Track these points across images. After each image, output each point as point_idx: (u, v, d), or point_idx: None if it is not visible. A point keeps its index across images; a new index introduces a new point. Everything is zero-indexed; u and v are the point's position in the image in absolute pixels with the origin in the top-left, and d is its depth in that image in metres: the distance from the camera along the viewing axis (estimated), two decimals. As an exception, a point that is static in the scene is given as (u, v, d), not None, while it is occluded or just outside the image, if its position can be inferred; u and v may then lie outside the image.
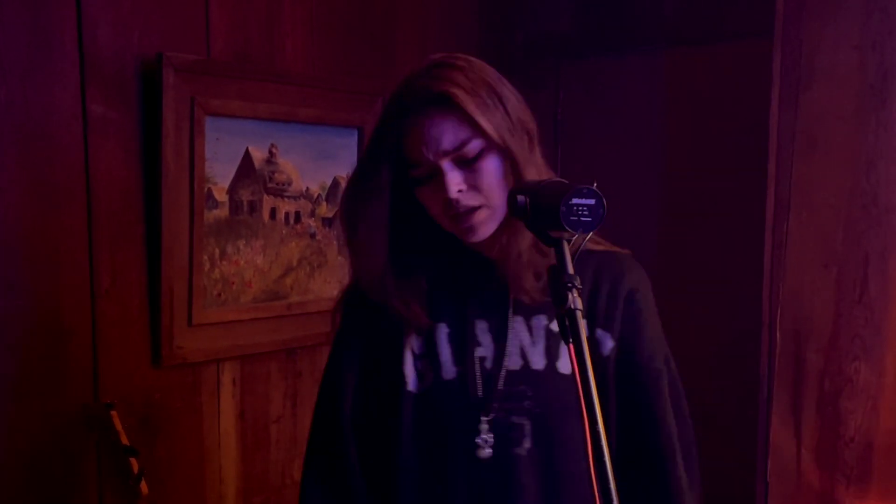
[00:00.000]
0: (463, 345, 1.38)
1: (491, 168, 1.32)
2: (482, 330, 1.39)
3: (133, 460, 2.01)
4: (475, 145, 1.30)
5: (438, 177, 1.30)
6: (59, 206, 2.00)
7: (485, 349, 1.38)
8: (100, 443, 2.06)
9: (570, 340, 1.12)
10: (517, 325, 1.39)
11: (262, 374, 2.45)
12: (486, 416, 1.35)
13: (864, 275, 2.25)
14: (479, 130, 1.29)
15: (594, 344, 1.38)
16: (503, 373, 1.37)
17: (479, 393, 1.36)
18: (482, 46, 2.97)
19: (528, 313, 1.40)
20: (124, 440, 2.02)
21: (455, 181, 1.30)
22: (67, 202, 2.01)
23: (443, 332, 1.39)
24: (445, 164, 1.30)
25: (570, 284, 1.14)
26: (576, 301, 1.13)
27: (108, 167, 2.07)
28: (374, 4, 2.68)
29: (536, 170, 1.33)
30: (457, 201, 1.30)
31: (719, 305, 2.81)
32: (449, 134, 1.30)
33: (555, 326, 1.39)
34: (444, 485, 1.36)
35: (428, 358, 1.38)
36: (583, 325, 1.11)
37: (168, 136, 2.11)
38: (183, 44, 2.18)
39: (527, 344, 1.39)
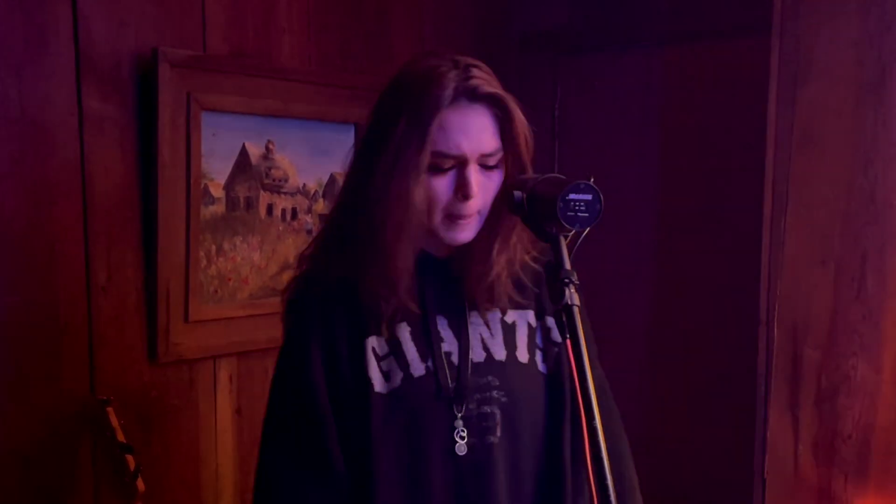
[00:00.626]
0: (427, 342, 1.38)
1: (500, 181, 1.35)
2: (442, 326, 1.40)
3: (129, 457, 2.01)
4: (500, 156, 1.33)
5: (461, 171, 1.31)
6: (55, 202, 1.99)
7: (448, 344, 1.39)
8: (96, 439, 2.06)
9: (568, 336, 1.13)
10: (474, 319, 1.42)
11: (259, 370, 2.44)
12: (460, 409, 1.36)
13: (861, 271, 2.25)
14: (510, 142, 1.32)
15: (546, 331, 1.44)
16: (470, 365, 1.38)
17: (451, 387, 1.37)
18: (478, 41, 2.96)
19: (482, 309, 1.42)
20: (120, 437, 2.01)
21: (478, 182, 1.31)
22: (63, 198, 2.00)
23: (405, 330, 1.38)
24: (473, 164, 1.31)
25: (567, 280, 1.15)
26: (573, 297, 1.14)
27: (104, 163, 2.07)
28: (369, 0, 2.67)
29: None
30: (470, 203, 1.31)
31: (717, 302, 2.81)
32: (489, 135, 1.32)
33: (508, 319, 1.43)
34: (423, 479, 1.36)
35: (393, 356, 1.37)
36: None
37: (164, 131, 2.10)
38: (179, 39, 2.17)
39: (486, 336, 1.41)
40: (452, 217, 1.33)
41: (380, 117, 1.36)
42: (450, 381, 1.37)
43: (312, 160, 2.48)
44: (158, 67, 2.06)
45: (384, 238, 1.33)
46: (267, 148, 2.36)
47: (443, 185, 1.31)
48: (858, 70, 2.23)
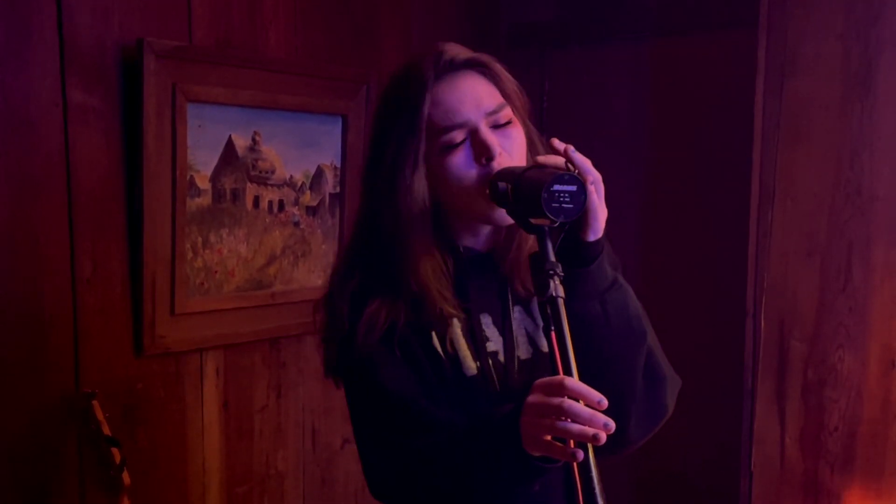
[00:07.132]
0: (475, 340, 1.34)
1: (521, 136, 1.34)
2: (487, 324, 1.37)
3: (115, 450, 2.00)
4: (508, 112, 1.32)
5: (474, 137, 1.29)
6: (40, 194, 1.98)
7: (494, 343, 1.36)
8: (81, 433, 2.05)
9: (553, 328, 1.12)
10: (518, 315, 1.39)
11: (246, 363, 2.44)
12: None
13: (847, 263, 2.26)
14: (509, 100, 1.33)
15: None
16: (516, 364, 1.35)
17: (498, 388, 1.33)
18: (466, 35, 2.95)
19: (525, 300, 1.39)
20: (106, 430, 2.01)
21: (496, 141, 1.29)
22: (48, 191, 1.99)
23: (456, 327, 1.34)
24: (483, 126, 1.29)
25: (552, 272, 1.14)
26: (558, 289, 1.13)
27: (89, 155, 2.05)
28: (358, -9, 2.67)
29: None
30: (495, 165, 1.28)
31: (704, 295, 2.82)
32: (486, 93, 1.31)
33: None
34: None
35: (445, 353, 1.33)
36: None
37: (149, 123, 2.08)
38: (164, 30, 2.15)
39: (531, 330, 1.39)
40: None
41: (377, 125, 1.36)
42: (497, 384, 1.33)
43: (299, 152, 2.47)
44: (143, 58, 2.04)
45: (402, 239, 1.30)
46: (253, 139, 2.35)
47: (461, 158, 1.29)
48: (845, 63, 2.23)
